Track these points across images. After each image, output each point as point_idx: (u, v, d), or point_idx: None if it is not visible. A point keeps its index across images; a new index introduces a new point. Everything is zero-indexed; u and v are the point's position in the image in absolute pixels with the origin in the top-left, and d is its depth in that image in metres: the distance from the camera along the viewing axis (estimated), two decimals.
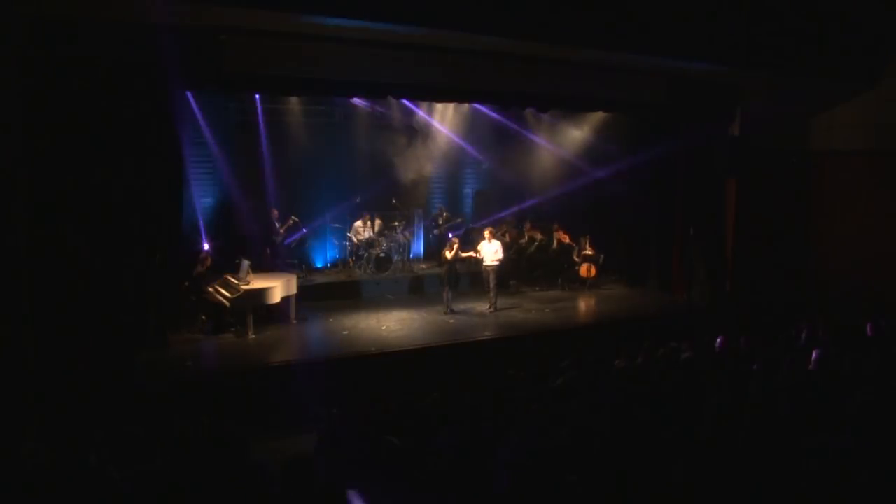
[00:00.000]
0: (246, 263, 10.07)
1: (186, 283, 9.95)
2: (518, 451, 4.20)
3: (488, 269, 11.53)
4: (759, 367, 6.18)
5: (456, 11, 8.18)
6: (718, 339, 7.41)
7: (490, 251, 11.44)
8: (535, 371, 6.84)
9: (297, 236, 12.60)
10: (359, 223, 13.20)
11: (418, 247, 14.63)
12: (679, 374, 6.30)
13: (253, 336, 9.74)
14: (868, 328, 7.51)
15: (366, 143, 13.31)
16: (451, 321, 10.90)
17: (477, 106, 13.26)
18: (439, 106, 13.50)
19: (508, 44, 9.23)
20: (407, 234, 13.70)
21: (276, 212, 12.26)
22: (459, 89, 10.69)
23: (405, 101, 12.74)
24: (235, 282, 9.72)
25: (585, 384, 6.04)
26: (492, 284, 11.56)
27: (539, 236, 13.48)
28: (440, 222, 14.08)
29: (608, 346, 7.87)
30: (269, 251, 12.00)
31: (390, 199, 13.64)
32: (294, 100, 12.36)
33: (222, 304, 9.64)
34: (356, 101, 12.61)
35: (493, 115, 13.80)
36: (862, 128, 12.18)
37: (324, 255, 13.81)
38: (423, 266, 14.11)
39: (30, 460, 4.62)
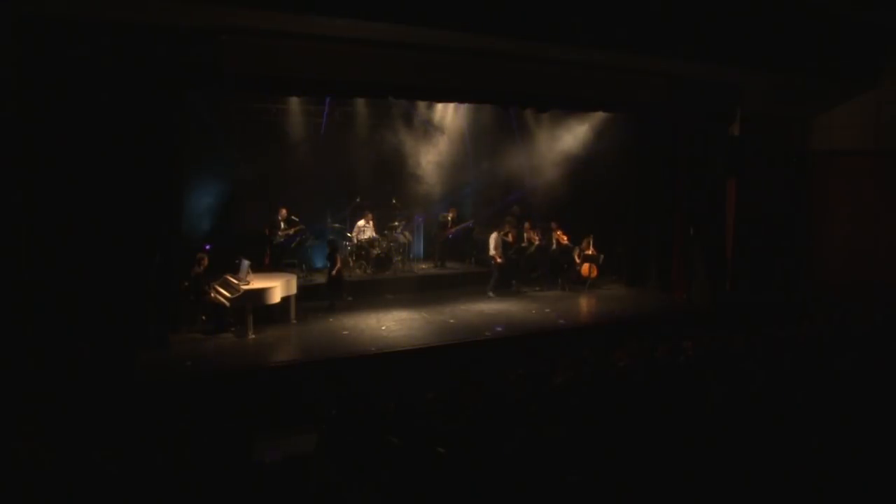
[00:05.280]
0: (246, 263, 10.07)
1: (186, 283, 9.95)
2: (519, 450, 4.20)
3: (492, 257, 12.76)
4: (759, 367, 6.18)
5: (456, 11, 8.18)
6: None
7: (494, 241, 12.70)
8: (535, 371, 6.84)
9: (298, 237, 12.60)
10: (361, 222, 13.21)
11: (418, 247, 14.64)
12: (678, 373, 6.29)
13: (253, 336, 9.74)
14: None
15: (366, 143, 13.32)
16: (452, 321, 10.90)
17: (477, 106, 13.29)
18: (439, 105, 13.52)
19: (508, 44, 9.23)
20: (407, 234, 13.72)
21: (284, 211, 12.26)
22: (459, 89, 10.69)
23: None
24: (235, 282, 9.73)
25: (585, 384, 6.03)
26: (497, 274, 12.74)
27: (537, 239, 13.48)
28: (449, 224, 14.12)
29: (608, 346, 7.86)
30: (268, 252, 11.98)
31: (390, 199, 13.65)
32: (294, 99, 12.37)
33: (222, 304, 9.65)
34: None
35: (493, 114, 13.84)
36: (862, 128, 12.19)
37: (324, 255, 13.80)
38: (423, 266, 14.13)
39: (30, 460, 4.62)
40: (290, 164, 12.80)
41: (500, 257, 12.77)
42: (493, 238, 12.78)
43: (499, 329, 10.56)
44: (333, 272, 11.35)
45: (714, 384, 5.64)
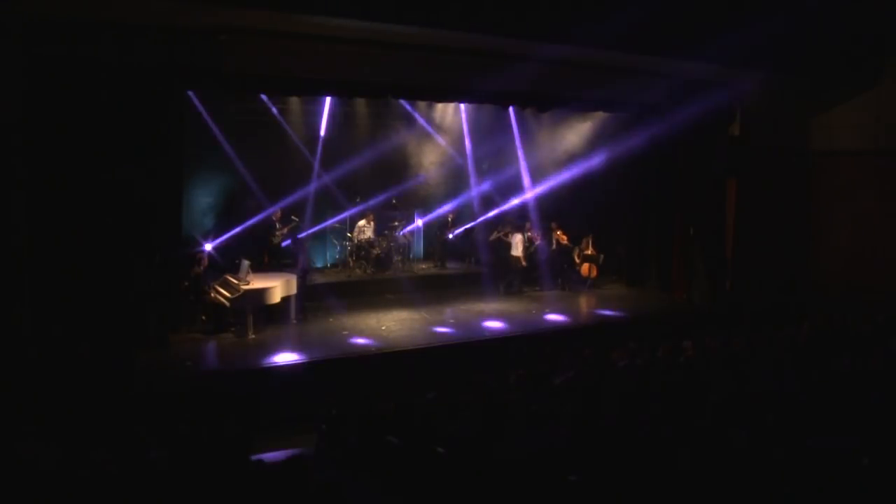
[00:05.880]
0: (246, 263, 10.07)
1: (186, 283, 9.95)
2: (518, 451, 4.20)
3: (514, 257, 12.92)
4: (759, 367, 6.18)
5: (456, 11, 8.18)
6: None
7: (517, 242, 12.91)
8: (535, 371, 6.84)
9: (296, 237, 12.59)
10: (362, 222, 13.20)
11: (418, 247, 14.64)
12: (679, 373, 6.30)
13: (253, 336, 9.74)
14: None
15: (366, 143, 13.31)
16: (452, 321, 10.90)
17: (477, 106, 13.29)
18: (439, 105, 13.52)
19: (509, 44, 9.23)
20: (407, 234, 13.71)
21: (279, 212, 12.25)
22: (459, 89, 10.70)
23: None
24: (235, 282, 9.72)
25: (585, 384, 6.04)
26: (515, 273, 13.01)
27: (537, 239, 13.48)
28: (449, 225, 14.13)
29: (608, 346, 7.87)
30: (266, 255, 11.94)
31: (390, 199, 13.65)
32: (294, 99, 12.36)
33: (222, 304, 9.64)
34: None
35: (493, 114, 13.84)
36: (862, 128, 12.19)
37: (324, 255, 13.82)
38: (423, 266, 14.13)
39: (30, 460, 4.62)
40: (290, 164, 12.78)
41: (524, 260, 12.92)
42: (519, 239, 12.82)
43: (495, 322, 10.62)
44: (301, 274, 10.95)
45: (714, 384, 5.64)
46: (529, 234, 13.52)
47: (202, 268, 9.94)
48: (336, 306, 11.44)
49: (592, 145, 13.66)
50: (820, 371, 5.88)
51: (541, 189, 14.40)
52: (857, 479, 3.74)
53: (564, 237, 13.51)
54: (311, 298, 11.58)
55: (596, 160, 13.48)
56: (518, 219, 13.87)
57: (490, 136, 14.41)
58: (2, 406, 7.24)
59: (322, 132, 12.82)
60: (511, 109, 13.48)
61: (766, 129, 12.54)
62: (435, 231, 14.34)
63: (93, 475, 4.16)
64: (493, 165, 14.74)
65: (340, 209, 13.46)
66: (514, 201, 14.69)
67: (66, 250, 8.03)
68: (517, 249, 12.86)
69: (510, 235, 13.34)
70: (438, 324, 10.73)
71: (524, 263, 12.98)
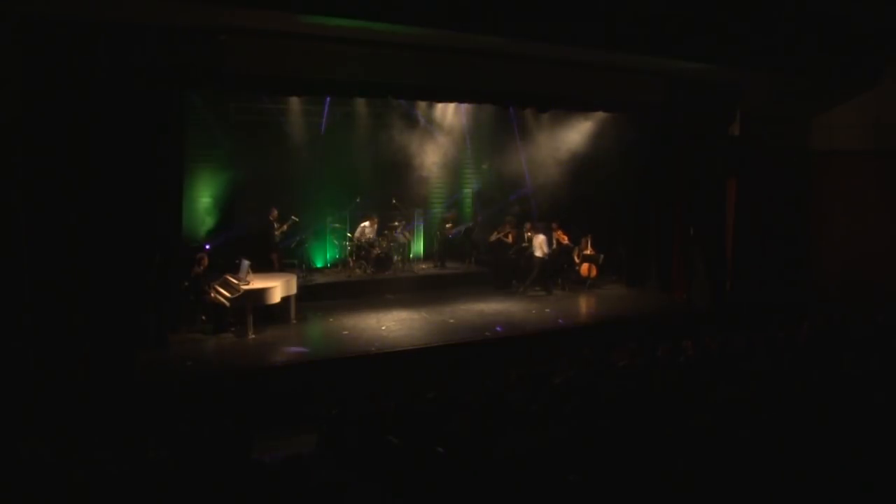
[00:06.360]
0: (246, 263, 10.07)
1: (186, 283, 9.95)
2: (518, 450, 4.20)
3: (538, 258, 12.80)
4: (759, 367, 6.18)
5: (455, 11, 8.18)
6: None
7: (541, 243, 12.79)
8: (535, 371, 6.84)
9: (297, 237, 12.59)
10: (365, 223, 13.18)
11: (418, 247, 14.65)
12: (679, 373, 6.30)
13: (253, 336, 9.74)
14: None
15: (366, 143, 13.31)
16: (452, 321, 10.90)
17: (477, 106, 13.29)
18: (439, 105, 13.52)
19: (509, 44, 9.23)
20: (407, 234, 13.72)
21: (276, 212, 12.25)
22: (459, 89, 10.70)
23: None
24: (235, 282, 9.72)
25: (585, 384, 6.03)
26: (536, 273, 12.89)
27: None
28: (449, 225, 14.15)
29: (608, 346, 7.86)
30: (270, 255, 11.94)
31: (390, 199, 13.65)
32: (294, 99, 12.36)
33: (222, 304, 9.64)
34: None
35: (493, 114, 13.84)
36: (862, 128, 12.19)
37: (324, 255, 13.82)
38: (423, 266, 14.13)
39: (30, 460, 4.62)
40: (289, 164, 12.77)
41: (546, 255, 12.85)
42: (542, 240, 12.74)
43: (499, 329, 10.58)
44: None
45: (714, 384, 5.64)
46: (529, 234, 13.52)
47: (202, 268, 9.94)
48: (336, 306, 11.44)
49: (593, 145, 13.66)
50: (820, 371, 5.88)
51: (541, 189, 14.41)
52: (857, 480, 3.74)
53: (564, 237, 13.51)
54: (312, 298, 11.58)
55: (595, 160, 13.49)
56: (518, 219, 13.87)
57: (490, 136, 14.41)
58: (2, 406, 7.24)
59: (322, 132, 12.81)
60: (511, 109, 13.50)
61: (766, 129, 12.53)
62: (435, 231, 14.34)
63: (93, 475, 4.16)
64: (494, 165, 14.74)
65: (340, 209, 13.47)
66: (514, 201, 14.71)
67: (66, 250, 8.02)
68: (539, 251, 12.71)
69: (509, 235, 13.34)
70: (439, 324, 10.72)
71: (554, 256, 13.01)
